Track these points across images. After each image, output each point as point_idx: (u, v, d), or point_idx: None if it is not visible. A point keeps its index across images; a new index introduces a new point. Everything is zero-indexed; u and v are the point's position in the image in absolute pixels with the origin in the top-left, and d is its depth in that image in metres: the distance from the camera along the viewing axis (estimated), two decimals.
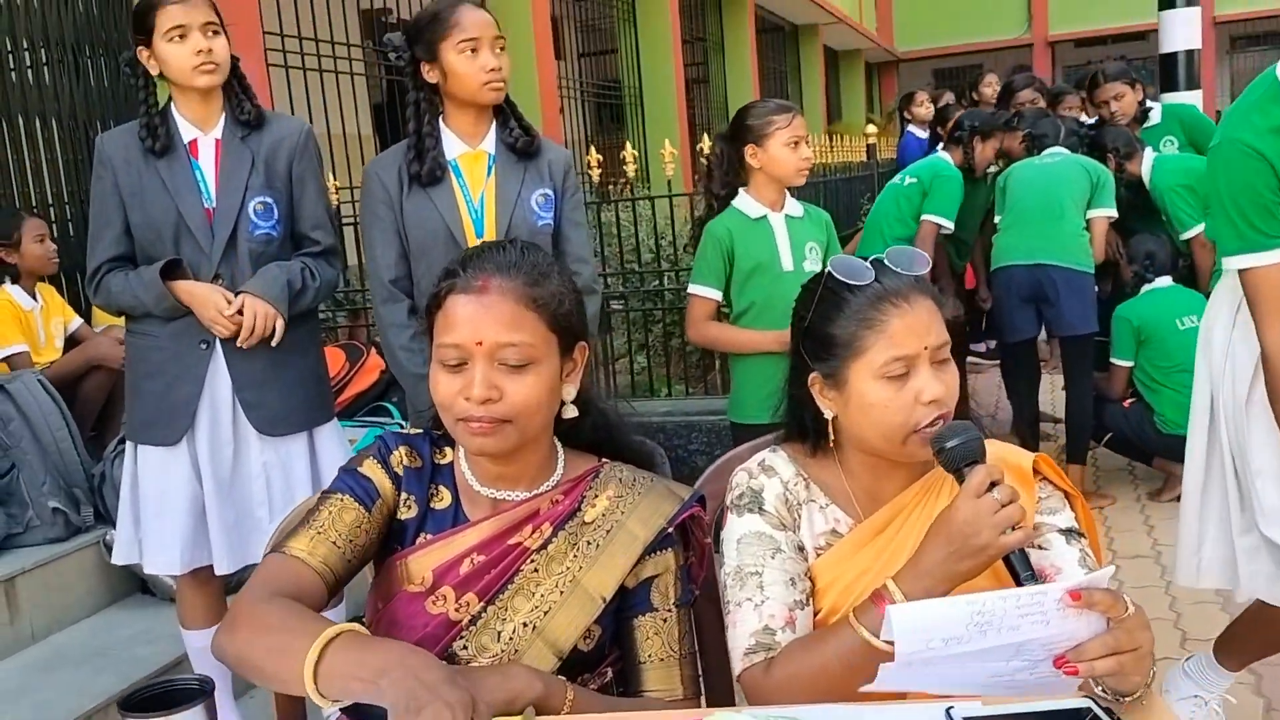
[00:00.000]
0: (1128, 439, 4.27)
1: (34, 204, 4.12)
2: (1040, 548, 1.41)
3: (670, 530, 1.38)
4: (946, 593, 1.28)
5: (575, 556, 1.36)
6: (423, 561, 1.37)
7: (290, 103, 5.46)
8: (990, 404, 5.82)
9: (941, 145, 4.80)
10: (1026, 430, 4.43)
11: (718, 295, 2.93)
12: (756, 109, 2.96)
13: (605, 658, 1.41)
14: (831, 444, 1.49)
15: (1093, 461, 4.61)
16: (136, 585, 3.29)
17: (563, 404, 1.39)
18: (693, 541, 1.45)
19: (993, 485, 1.26)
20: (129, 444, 2.59)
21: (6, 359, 3.61)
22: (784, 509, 1.46)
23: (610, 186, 5.54)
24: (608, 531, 1.37)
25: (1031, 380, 4.52)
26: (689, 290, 3.01)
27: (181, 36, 2.38)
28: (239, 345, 2.43)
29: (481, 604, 1.35)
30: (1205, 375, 2.17)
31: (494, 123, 2.52)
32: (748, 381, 2.89)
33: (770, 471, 1.49)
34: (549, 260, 1.39)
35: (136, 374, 2.56)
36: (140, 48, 2.44)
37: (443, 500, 1.42)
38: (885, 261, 1.42)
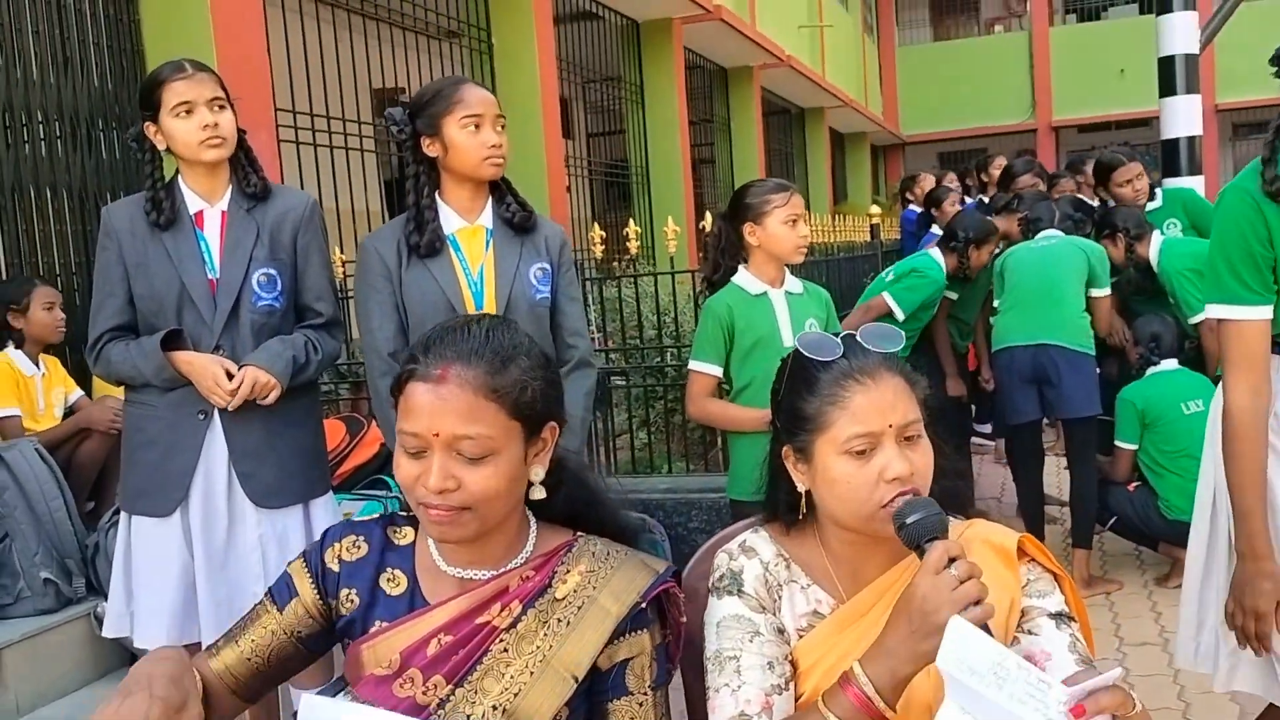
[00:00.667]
0: (1133, 523, 4.22)
1: (41, 274, 4.15)
2: (1030, 633, 1.39)
3: (644, 607, 1.36)
4: (912, 674, 1.26)
5: (546, 635, 1.34)
6: (390, 643, 1.35)
7: (301, 178, 5.54)
8: (995, 487, 5.78)
9: (936, 242, 4.82)
10: (1031, 514, 4.39)
11: (718, 371, 2.93)
12: (755, 188, 2.98)
13: None
14: (813, 522, 1.47)
15: (1099, 546, 4.56)
16: (126, 659, 3.24)
17: (530, 485, 1.37)
18: (669, 619, 1.42)
19: (952, 561, 1.24)
20: (123, 514, 2.57)
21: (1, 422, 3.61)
22: (764, 590, 1.44)
23: (615, 263, 5.59)
24: (579, 608, 1.35)
25: (1035, 463, 4.49)
26: (689, 366, 3.02)
27: (188, 112, 2.41)
28: (231, 407, 2.43)
29: (450, 686, 1.32)
30: (1211, 459, 2.13)
31: (490, 199, 2.55)
32: (746, 459, 2.88)
33: (750, 552, 1.47)
34: (514, 343, 1.36)
35: (133, 443, 2.55)
36: (147, 123, 2.47)
37: (398, 585, 1.40)
38: (857, 338, 1.43)
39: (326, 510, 2.62)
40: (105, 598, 2.84)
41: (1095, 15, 21.33)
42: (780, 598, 1.45)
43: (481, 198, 2.54)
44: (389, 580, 1.40)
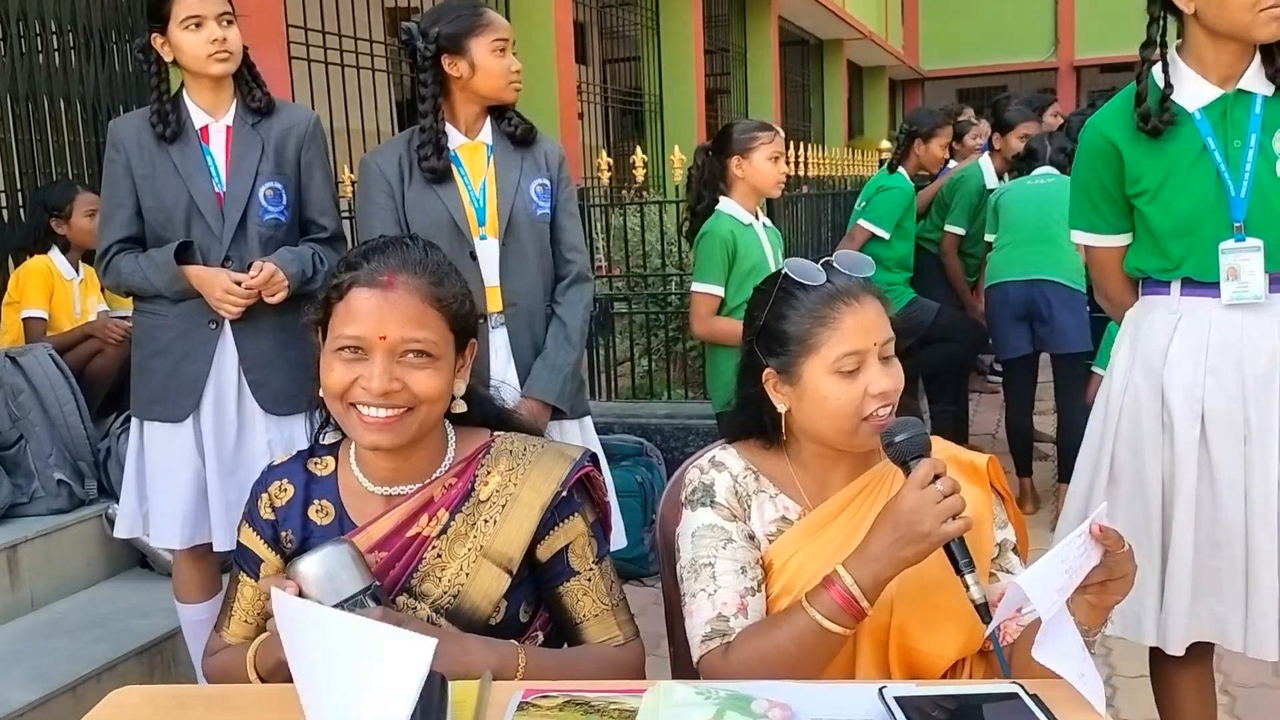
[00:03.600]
0: None
1: (17, 185, 4.22)
2: (1007, 570, 1.51)
3: (565, 494, 1.43)
4: (891, 577, 1.35)
5: (475, 535, 1.41)
6: None
7: (312, 96, 5.53)
8: (991, 424, 5.85)
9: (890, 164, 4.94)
10: (1019, 449, 4.47)
11: (721, 292, 3.07)
12: (742, 125, 3.25)
13: (527, 627, 1.46)
14: (778, 439, 1.55)
15: None
16: (135, 559, 3.36)
17: (453, 399, 1.43)
18: (597, 500, 1.51)
19: (936, 478, 1.33)
20: (134, 420, 2.65)
21: (26, 321, 3.73)
22: (734, 501, 1.52)
23: (624, 191, 5.61)
24: (503, 505, 1.42)
25: (1026, 398, 4.56)
26: (694, 288, 3.16)
27: (197, 25, 2.45)
28: (248, 284, 2.47)
29: (391, 597, 1.38)
30: (1100, 419, 2.19)
31: (489, 116, 2.58)
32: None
33: (720, 467, 1.55)
34: (449, 261, 1.44)
35: (144, 352, 2.62)
36: (155, 35, 2.51)
37: (326, 514, 1.46)
38: (834, 263, 1.50)
39: None
40: (116, 500, 2.94)
41: None
42: (750, 507, 1.53)
43: (484, 116, 2.57)
44: (318, 511, 1.46)
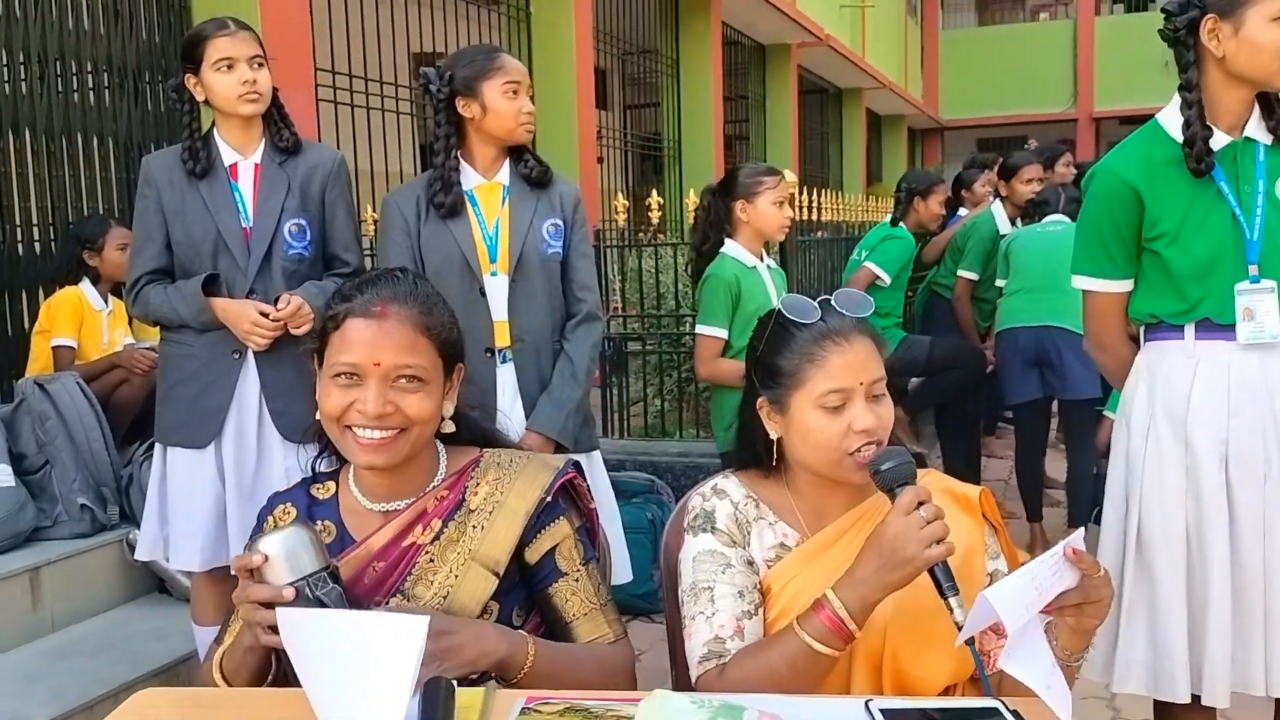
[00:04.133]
0: None
1: (50, 219, 4.34)
2: None
3: (549, 500, 1.51)
4: (878, 601, 1.40)
5: (465, 540, 1.49)
6: None
7: (338, 137, 5.67)
8: (1005, 470, 5.87)
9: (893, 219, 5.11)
10: (1029, 494, 4.50)
11: (725, 334, 3.10)
12: (747, 169, 3.30)
13: (520, 630, 1.52)
14: (779, 468, 1.61)
15: (1095, 535, 4.64)
16: (154, 584, 3.43)
17: (442, 419, 1.52)
18: (582, 507, 1.58)
19: (920, 505, 1.38)
20: (158, 446, 2.74)
21: (56, 349, 3.82)
22: (734, 527, 1.57)
23: (641, 234, 5.70)
24: (490, 512, 1.50)
25: (1036, 444, 4.59)
26: (698, 330, 3.19)
27: (229, 67, 2.56)
28: (275, 316, 2.55)
29: (385, 600, 1.47)
30: (1122, 469, 2.19)
31: (507, 158, 2.67)
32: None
33: (722, 494, 1.60)
34: (436, 292, 1.53)
35: (169, 380, 2.70)
36: (188, 75, 2.62)
37: (328, 534, 1.54)
38: (832, 302, 1.56)
39: None
40: (137, 526, 3.03)
41: (1143, 6, 21.07)
42: (750, 533, 1.58)
43: (502, 158, 2.66)
44: (320, 532, 1.52)
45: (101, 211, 4.43)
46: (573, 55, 7.61)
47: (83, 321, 3.91)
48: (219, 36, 2.56)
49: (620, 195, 4.78)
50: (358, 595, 1.46)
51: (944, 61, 21.38)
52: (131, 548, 3.23)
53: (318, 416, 1.50)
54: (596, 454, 2.75)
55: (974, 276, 5.10)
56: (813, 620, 1.40)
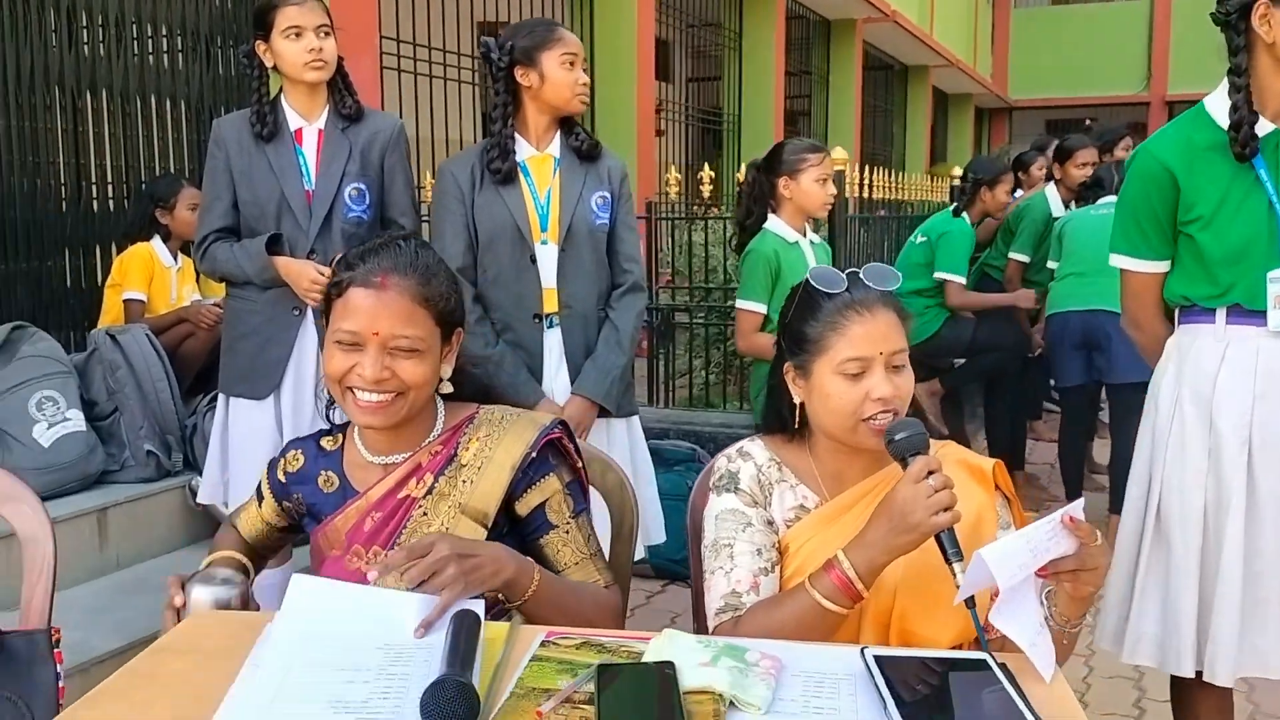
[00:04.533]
0: None
1: (125, 177, 4.51)
2: None
3: (535, 456, 1.60)
4: (886, 564, 1.47)
5: (456, 494, 1.58)
6: (335, 528, 1.61)
7: (400, 105, 5.80)
8: (1051, 454, 5.87)
9: (955, 206, 5.07)
10: (1070, 476, 4.52)
11: (764, 309, 3.16)
12: (792, 146, 3.33)
13: None
14: (804, 434, 1.68)
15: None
16: (212, 529, 3.52)
17: (440, 380, 1.61)
18: (572, 464, 1.67)
19: (930, 474, 1.44)
20: (221, 396, 2.89)
21: (126, 302, 4.02)
22: (757, 488, 1.65)
23: (696, 207, 5.76)
24: (479, 467, 1.59)
25: (1080, 428, 4.61)
26: (737, 305, 3.26)
27: (297, 35, 2.67)
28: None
29: (385, 551, 1.57)
30: (1147, 448, 2.24)
31: (558, 130, 2.76)
32: None
33: (746, 456, 1.68)
34: (438, 260, 1.61)
35: (233, 334, 2.85)
36: (259, 42, 2.73)
37: (331, 484, 1.65)
38: (860, 275, 1.62)
39: None
40: (199, 473, 3.18)
41: None
42: (771, 495, 1.66)
43: (553, 130, 2.75)
44: (325, 481, 1.65)
45: (173, 171, 4.59)
46: (634, 26, 7.65)
47: (153, 277, 4.08)
48: (288, 5, 2.67)
49: (673, 169, 4.83)
50: (360, 543, 1.58)
51: (1014, 40, 21.03)
52: (194, 493, 3.40)
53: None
54: (636, 419, 2.84)
55: (1025, 259, 5.11)
56: (823, 579, 1.47)
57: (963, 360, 5.14)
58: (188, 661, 1.34)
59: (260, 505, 1.74)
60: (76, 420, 3.39)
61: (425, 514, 1.58)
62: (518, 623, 1.41)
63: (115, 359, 3.56)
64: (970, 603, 1.40)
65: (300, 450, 1.70)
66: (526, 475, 1.60)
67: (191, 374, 3.89)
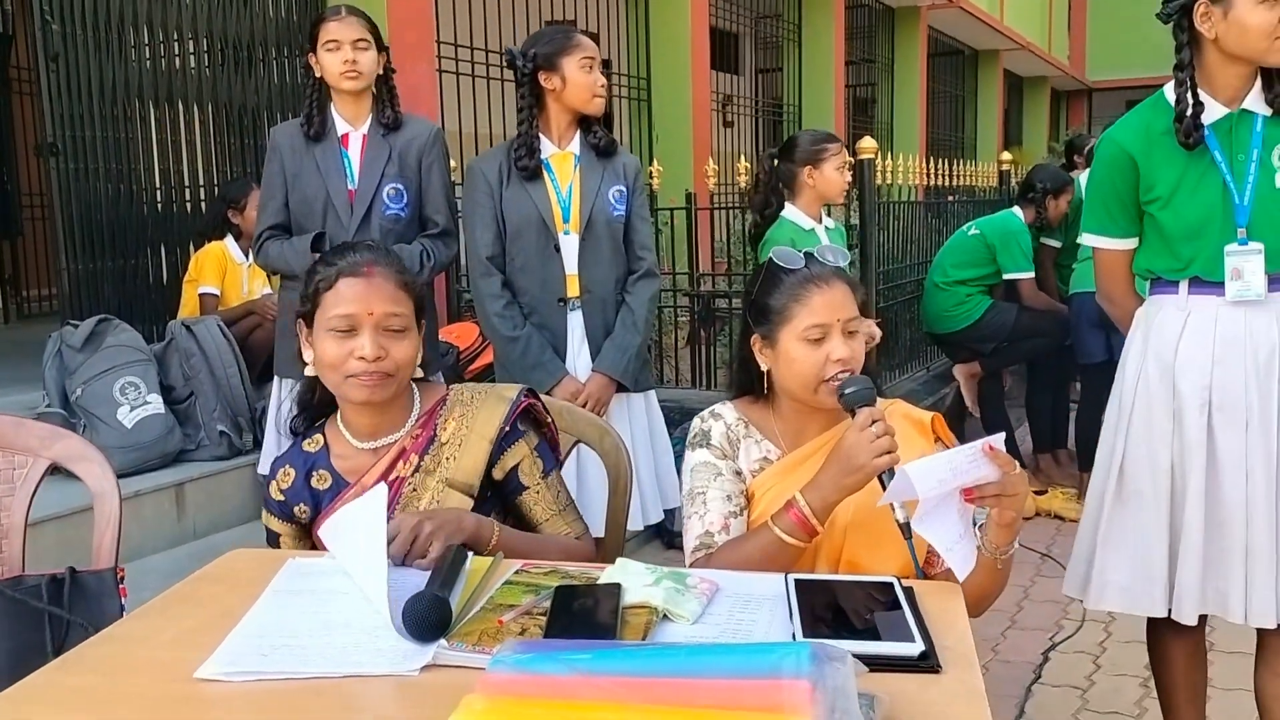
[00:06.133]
0: None
1: (200, 181, 4.84)
2: None
3: (509, 427, 1.80)
4: (837, 502, 1.67)
5: (440, 470, 1.78)
6: None
7: (459, 106, 6.07)
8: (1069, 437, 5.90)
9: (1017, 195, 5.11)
10: (1084, 451, 4.60)
11: None
12: (811, 136, 3.53)
13: None
14: (768, 396, 1.89)
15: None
16: None
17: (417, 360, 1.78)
18: (543, 426, 1.88)
19: (874, 423, 1.64)
20: (276, 377, 3.18)
21: (202, 296, 4.36)
22: (726, 443, 1.86)
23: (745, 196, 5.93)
24: (459, 444, 1.79)
25: (1099, 403, 4.66)
26: None
27: (335, 48, 2.94)
28: None
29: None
30: (1115, 410, 2.38)
31: (578, 129, 2.97)
32: None
33: (717, 417, 1.89)
34: (399, 256, 1.82)
35: (286, 320, 3.12)
36: (310, 54, 3.02)
37: (324, 480, 1.80)
38: (815, 254, 1.83)
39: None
40: None
41: None
42: (739, 449, 1.87)
43: (574, 129, 2.97)
44: (318, 480, 1.81)
45: (218, 174, 4.91)
46: (688, 19, 7.80)
47: (225, 273, 4.41)
48: (330, 20, 2.95)
49: (712, 161, 5.02)
50: None
51: (1092, 20, 20.65)
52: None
53: (307, 374, 1.80)
54: (653, 394, 3.07)
55: (1056, 245, 5.19)
56: (784, 517, 1.68)
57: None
58: (221, 587, 1.59)
59: (283, 536, 1.86)
60: (156, 404, 3.70)
61: (415, 490, 1.78)
62: (499, 559, 1.63)
63: (190, 348, 3.87)
64: (907, 533, 1.59)
65: (288, 463, 1.84)
66: (500, 445, 1.81)
67: (260, 361, 4.17)
